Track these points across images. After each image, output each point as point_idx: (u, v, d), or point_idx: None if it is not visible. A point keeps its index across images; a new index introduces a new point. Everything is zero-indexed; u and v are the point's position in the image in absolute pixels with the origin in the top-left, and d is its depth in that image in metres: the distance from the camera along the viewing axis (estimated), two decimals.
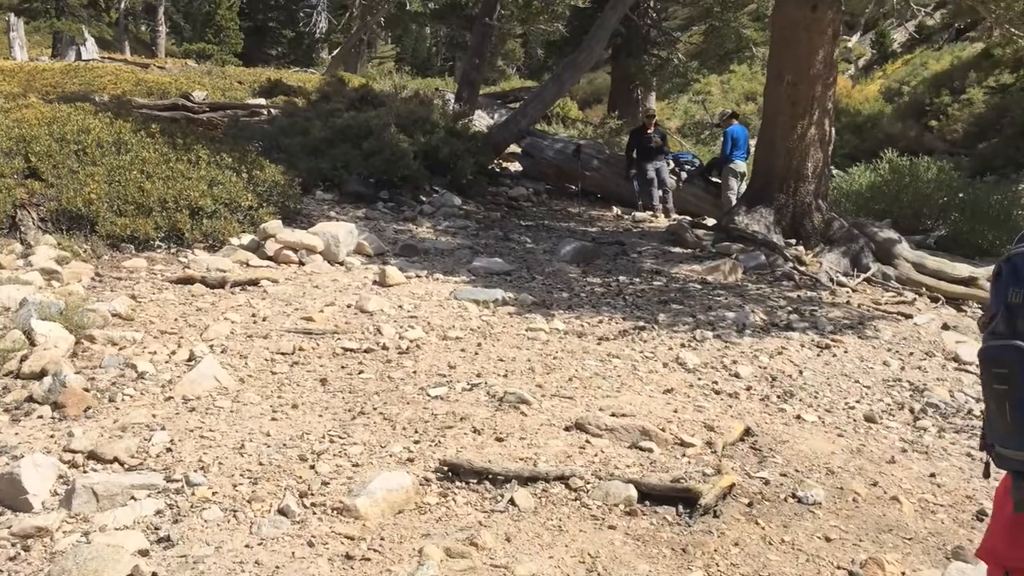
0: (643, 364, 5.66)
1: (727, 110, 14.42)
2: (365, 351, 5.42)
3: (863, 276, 9.27)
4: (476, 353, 5.53)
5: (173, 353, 5.07)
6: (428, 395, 4.73)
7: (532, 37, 46.52)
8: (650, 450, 4.16)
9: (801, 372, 5.88)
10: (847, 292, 8.71)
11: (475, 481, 3.76)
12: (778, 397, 5.34)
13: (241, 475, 3.68)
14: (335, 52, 36.37)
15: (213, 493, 3.53)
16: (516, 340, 5.93)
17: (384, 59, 54.54)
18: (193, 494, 3.50)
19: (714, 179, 13.79)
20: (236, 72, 26.14)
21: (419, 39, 61.72)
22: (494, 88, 29.88)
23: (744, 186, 13.55)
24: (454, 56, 48.23)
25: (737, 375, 5.65)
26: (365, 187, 11.44)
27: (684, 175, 13.63)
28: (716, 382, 5.45)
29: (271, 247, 7.87)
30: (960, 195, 13.63)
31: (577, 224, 11.86)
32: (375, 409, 4.47)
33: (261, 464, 3.79)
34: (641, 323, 6.67)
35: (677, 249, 9.91)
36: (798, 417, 5.03)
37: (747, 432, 4.63)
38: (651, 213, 13.20)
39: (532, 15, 16.93)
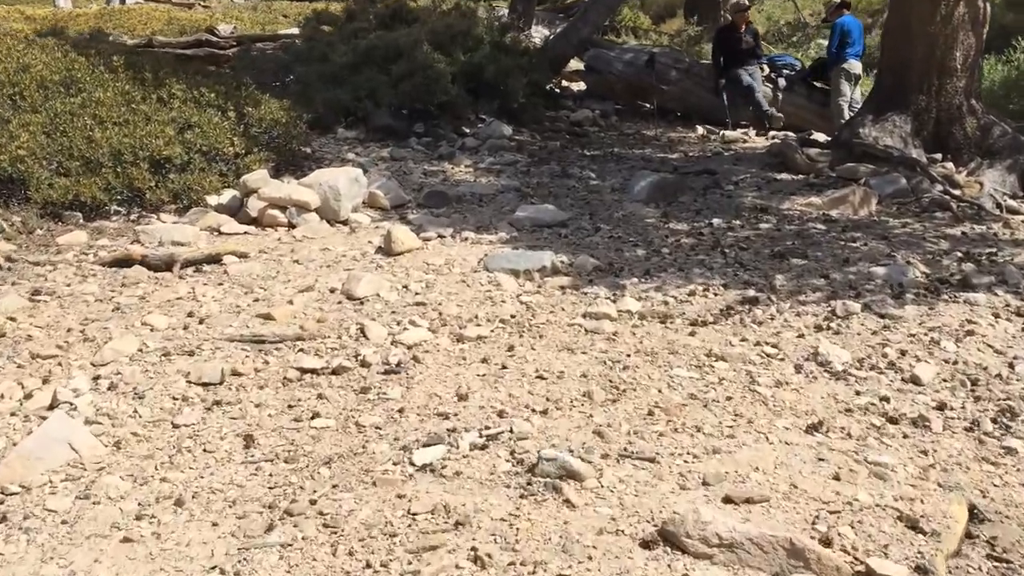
0: (764, 370, 3.64)
1: (835, 0, 11.85)
2: (333, 372, 3.55)
3: None
4: (503, 366, 3.59)
5: (29, 396, 3.28)
6: (411, 463, 2.82)
7: None
8: None
9: (1012, 365, 3.77)
10: (1023, 221, 6.44)
11: None
12: (993, 420, 3.27)
13: None
14: None
15: None
16: (567, 336, 3.97)
17: None
18: None
19: (820, 84, 11.38)
20: (283, 6, 24.52)
21: None
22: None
23: (858, 92, 11.13)
24: None
25: (915, 379, 3.59)
26: (396, 120, 9.49)
27: (783, 82, 11.22)
28: (887, 399, 3.40)
29: (254, 206, 6.04)
30: None
31: (654, 150, 9.70)
32: (312, 504, 2.59)
33: None
34: (751, 291, 4.62)
35: (785, 176, 7.70)
36: None
37: (973, 515, 2.61)
38: (745, 130, 10.91)
39: None
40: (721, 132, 10.77)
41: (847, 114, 10.81)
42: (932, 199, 6.72)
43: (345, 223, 6.06)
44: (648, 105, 11.62)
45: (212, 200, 6.27)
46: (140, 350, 3.72)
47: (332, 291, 4.51)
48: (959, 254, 5.38)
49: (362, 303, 4.34)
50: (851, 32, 10.93)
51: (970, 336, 4.06)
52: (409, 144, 9.02)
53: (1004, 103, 12.05)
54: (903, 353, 3.85)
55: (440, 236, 5.60)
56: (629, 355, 3.74)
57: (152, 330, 3.97)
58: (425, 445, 2.92)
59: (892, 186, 6.92)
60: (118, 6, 22.12)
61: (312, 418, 3.15)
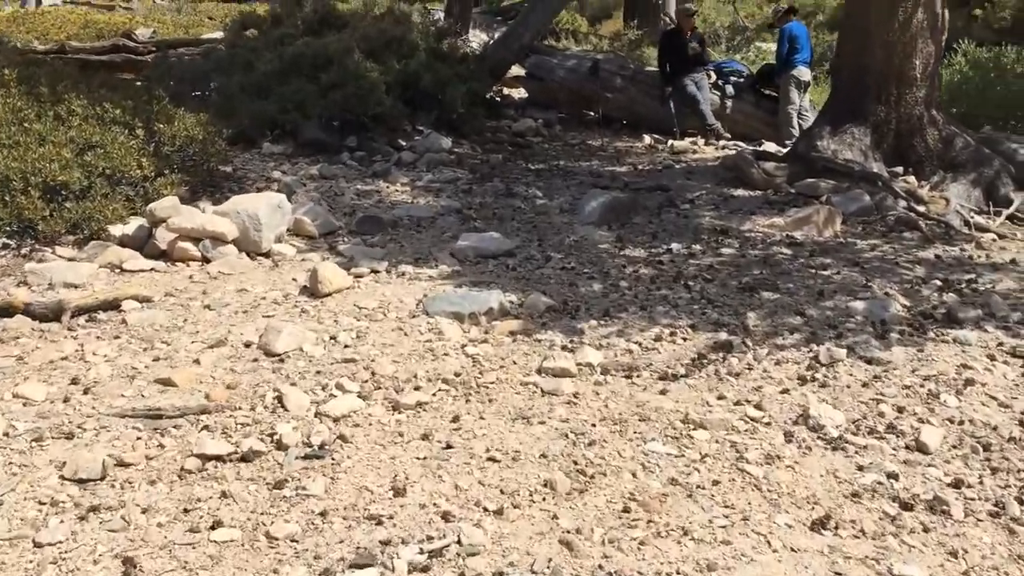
0: (750, 439, 3.14)
1: (782, 4, 11.54)
2: (242, 458, 2.94)
3: (1006, 213, 6.65)
4: (448, 445, 3.03)
5: None
6: None
7: None
8: None
9: (1023, 423, 3.34)
10: (993, 239, 6.10)
11: None
12: (1019, 500, 2.81)
13: None
14: None
15: None
16: (521, 399, 3.42)
17: None
18: None
19: (768, 92, 11.05)
20: (209, 7, 23.60)
21: None
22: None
23: (808, 99, 10.82)
24: None
25: (921, 447, 3.12)
26: (326, 133, 8.84)
27: (731, 89, 10.86)
28: (895, 475, 2.92)
29: (163, 238, 5.38)
30: None
31: (601, 162, 9.22)
32: None
33: None
34: (723, 334, 4.13)
35: (741, 192, 7.28)
36: None
37: None
38: (694, 139, 10.52)
39: None
40: (669, 142, 10.36)
41: (796, 123, 10.51)
42: (898, 217, 6.36)
43: (267, 255, 5.43)
44: (593, 113, 11.16)
45: (116, 230, 5.58)
46: (6, 434, 3.07)
47: (247, 345, 3.89)
48: (938, 282, 4.98)
49: (282, 360, 3.73)
50: (799, 38, 10.62)
51: (970, 386, 3.62)
52: (341, 159, 8.39)
53: (947, 108, 11.89)
54: (901, 411, 3.39)
55: (374, 271, 5.01)
56: (594, 424, 3.21)
57: (25, 404, 3.31)
58: (352, 566, 2.35)
59: (856, 203, 6.54)
60: (33, 8, 21.00)
61: (212, 527, 2.55)
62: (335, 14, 10.91)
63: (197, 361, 3.72)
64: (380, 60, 9.40)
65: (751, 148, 9.54)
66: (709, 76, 10.93)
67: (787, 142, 10.40)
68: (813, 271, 5.16)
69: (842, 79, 7.57)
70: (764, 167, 7.53)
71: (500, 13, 21.36)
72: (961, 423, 3.32)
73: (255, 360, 3.75)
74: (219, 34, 14.32)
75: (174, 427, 3.15)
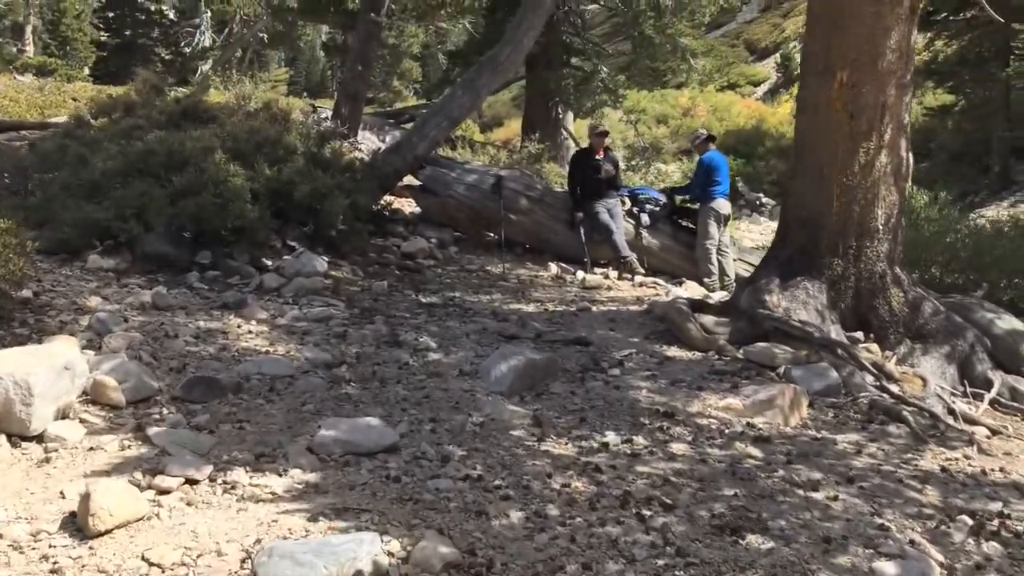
0: None
1: (702, 131, 10.71)
2: None
3: (988, 397, 5.59)
4: None
5: None
6: None
7: (432, 51, 42.74)
8: None
9: None
10: (987, 436, 4.98)
11: None
12: None
13: None
14: (206, 66, 31.67)
15: None
16: None
17: (277, 83, 50.16)
18: None
19: (685, 223, 10.07)
20: (78, 88, 21.75)
21: (312, 61, 57.35)
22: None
23: (728, 235, 9.89)
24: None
25: None
26: (174, 246, 7.25)
27: (646, 218, 9.82)
28: None
29: None
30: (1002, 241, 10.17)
31: (504, 296, 7.89)
32: None
33: None
34: None
35: (678, 352, 6.02)
36: None
37: None
38: (605, 271, 9.36)
39: (431, 8, 12.83)
40: (579, 274, 9.18)
41: (715, 259, 9.52)
42: (872, 401, 5.18)
43: (40, 440, 3.75)
44: (493, 235, 9.89)
45: None
46: None
47: None
48: (965, 518, 3.73)
49: None
50: (719, 169, 9.74)
51: None
52: (187, 280, 6.80)
53: None
54: None
55: (189, 482, 3.40)
56: None
57: None
58: None
59: (821, 380, 5.35)
60: None
61: None
62: (202, 107, 9.40)
63: None
64: (248, 164, 7.91)
65: (678, 292, 8.41)
66: (623, 203, 9.89)
67: (706, 280, 9.39)
68: (801, 492, 3.84)
69: (791, 226, 6.51)
70: (702, 321, 6.32)
71: (393, 116, 20.27)
72: None
73: None
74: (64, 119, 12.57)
75: None
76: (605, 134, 9.98)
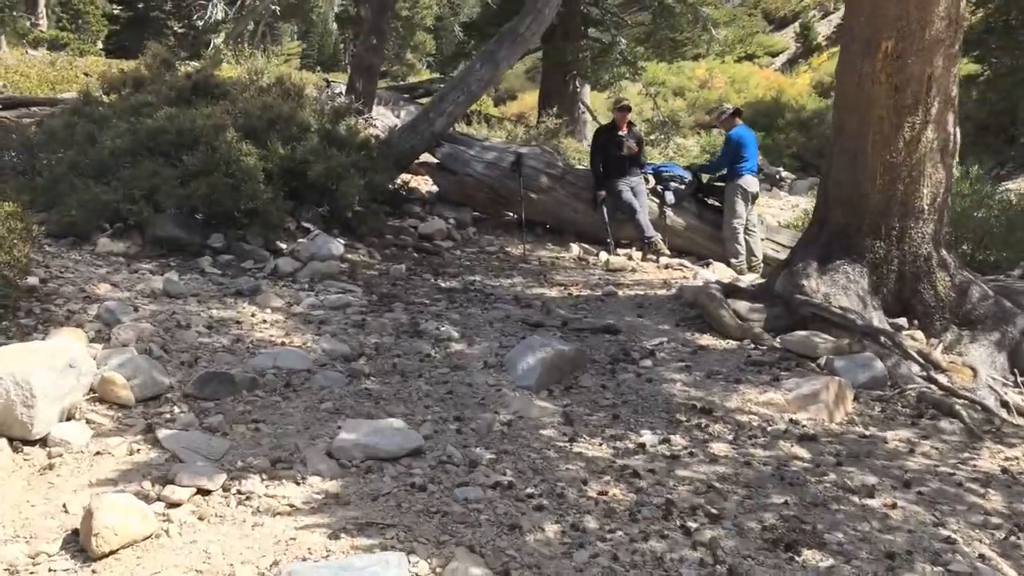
0: None
1: (728, 105, 10.36)
2: None
3: None
4: None
5: None
6: None
7: (446, 23, 42.16)
8: None
9: None
10: None
11: None
12: None
13: None
14: (219, 39, 31.36)
15: None
16: None
17: (290, 56, 49.74)
18: None
19: (711, 201, 9.75)
20: (90, 62, 21.48)
21: (324, 34, 56.83)
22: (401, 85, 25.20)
23: (755, 213, 9.55)
24: None
25: None
26: (186, 230, 7.01)
27: (671, 196, 9.50)
28: None
29: None
30: None
31: (525, 279, 7.62)
32: None
33: None
34: None
35: (712, 341, 5.73)
36: None
37: None
38: (628, 252, 9.07)
39: None
40: (602, 255, 8.88)
41: (742, 239, 9.21)
42: (922, 394, 4.89)
43: (43, 444, 3.53)
44: (512, 214, 9.60)
45: None
46: None
47: None
48: None
49: None
50: (747, 145, 9.39)
51: None
52: (199, 265, 6.57)
53: None
54: None
55: (201, 492, 3.17)
56: None
57: None
58: None
59: (866, 372, 5.06)
60: None
61: None
62: (213, 82, 9.11)
63: None
64: (261, 142, 7.64)
65: (706, 275, 8.10)
66: (647, 180, 9.57)
67: (733, 260, 9.09)
68: (856, 500, 3.57)
69: (830, 205, 6.19)
70: (735, 307, 6.03)
71: (408, 90, 19.90)
72: None
73: None
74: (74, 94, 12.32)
75: None
76: (628, 109, 9.63)
